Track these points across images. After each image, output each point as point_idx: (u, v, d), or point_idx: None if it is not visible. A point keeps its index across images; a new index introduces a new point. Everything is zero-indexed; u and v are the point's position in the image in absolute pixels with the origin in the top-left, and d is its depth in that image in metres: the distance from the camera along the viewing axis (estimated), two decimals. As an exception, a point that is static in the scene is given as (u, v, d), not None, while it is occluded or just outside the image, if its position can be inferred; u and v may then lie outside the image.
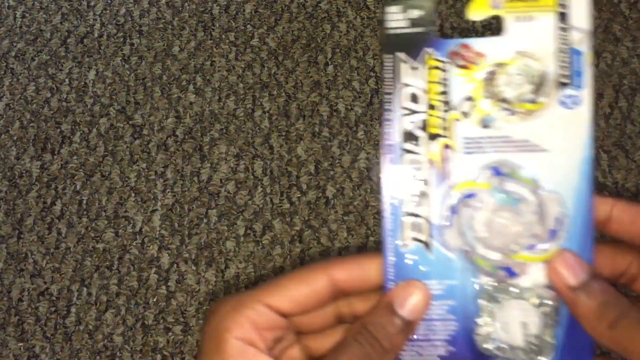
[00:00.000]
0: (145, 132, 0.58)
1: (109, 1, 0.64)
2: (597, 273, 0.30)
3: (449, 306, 0.30)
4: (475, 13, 0.30)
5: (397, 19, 0.30)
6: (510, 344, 0.30)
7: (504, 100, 0.30)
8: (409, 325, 0.30)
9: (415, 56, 0.30)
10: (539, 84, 0.30)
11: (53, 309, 0.53)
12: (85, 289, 0.54)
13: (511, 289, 0.30)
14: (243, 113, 0.59)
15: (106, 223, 0.55)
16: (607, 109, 0.58)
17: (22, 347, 0.52)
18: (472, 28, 0.58)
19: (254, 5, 0.63)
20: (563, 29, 0.29)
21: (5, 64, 0.62)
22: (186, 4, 0.64)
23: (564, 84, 0.29)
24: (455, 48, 0.30)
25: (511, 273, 0.30)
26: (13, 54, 0.62)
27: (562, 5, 0.29)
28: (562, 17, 0.29)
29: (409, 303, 0.30)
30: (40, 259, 0.55)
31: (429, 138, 0.30)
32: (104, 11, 0.64)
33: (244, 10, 0.63)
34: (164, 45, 0.62)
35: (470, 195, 0.30)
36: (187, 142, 0.58)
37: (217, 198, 0.56)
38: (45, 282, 0.54)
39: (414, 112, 0.30)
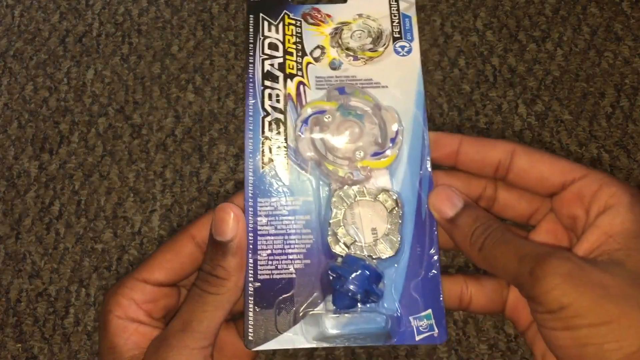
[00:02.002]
0: (144, 131, 0.58)
1: (108, 0, 0.64)
2: (470, 202, 0.32)
3: (305, 221, 0.34)
4: None
5: None
6: (360, 242, 0.34)
7: (348, 49, 0.37)
8: (235, 248, 0.31)
9: (275, 16, 0.38)
10: (377, 38, 0.38)
11: (51, 309, 0.53)
12: (83, 289, 0.53)
13: (359, 191, 0.34)
14: (242, 112, 0.59)
15: (105, 223, 0.55)
16: (609, 109, 0.58)
17: (20, 348, 0.52)
18: None
19: (254, 4, 0.63)
20: (395, 0, 0.39)
21: (3, 63, 0.62)
22: (185, 3, 0.63)
23: (397, 38, 0.38)
24: (308, 10, 0.38)
25: (358, 177, 0.34)
26: (11, 53, 0.62)
27: None
28: None
29: (224, 227, 0.31)
30: (39, 259, 0.54)
31: (285, 77, 0.37)
32: (102, 10, 0.64)
33: (243, 9, 0.63)
34: (162, 45, 0.62)
35: (320, 112, 0.35)
36: (186, 142, 0.58)
37: (216, 198, 0.56)
38: (43, 283, 0.54)
39: (273, 57, 0.37)
